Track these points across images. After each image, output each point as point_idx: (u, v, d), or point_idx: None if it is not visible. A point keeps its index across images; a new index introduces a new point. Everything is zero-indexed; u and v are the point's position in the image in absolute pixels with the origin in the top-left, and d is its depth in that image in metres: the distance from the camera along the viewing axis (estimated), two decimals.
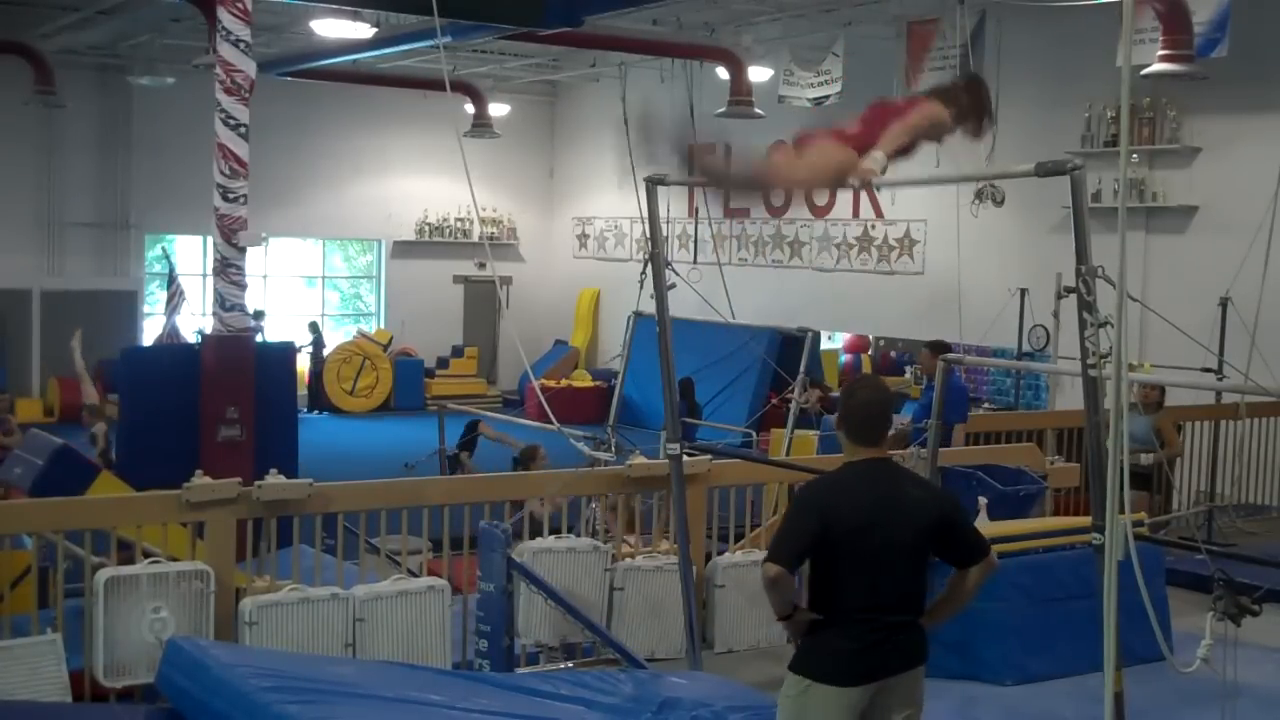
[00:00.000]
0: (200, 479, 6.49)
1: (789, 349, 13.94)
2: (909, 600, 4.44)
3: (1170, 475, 10.35)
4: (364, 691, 5.45)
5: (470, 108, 19.83)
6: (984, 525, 7.31)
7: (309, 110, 21.08)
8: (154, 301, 20.89)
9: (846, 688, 4.31)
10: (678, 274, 6.92)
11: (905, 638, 4.43)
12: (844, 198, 18.15)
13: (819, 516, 4.27)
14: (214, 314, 10.24)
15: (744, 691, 6.21)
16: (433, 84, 18.11)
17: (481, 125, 19.78)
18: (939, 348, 10.35)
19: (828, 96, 16.47)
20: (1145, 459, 9.74)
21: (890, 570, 4.35)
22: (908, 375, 19.76)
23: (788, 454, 11.33)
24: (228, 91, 9.84)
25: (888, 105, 5.61)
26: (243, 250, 10.08)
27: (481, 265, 22.63)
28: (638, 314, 9.75)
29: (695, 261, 17.61)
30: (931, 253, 16.86)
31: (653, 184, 6.66)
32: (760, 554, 6.63)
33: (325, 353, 21.52)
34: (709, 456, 7.91)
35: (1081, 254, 4.70)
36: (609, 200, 21.72)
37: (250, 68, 9.93)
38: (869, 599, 4.32)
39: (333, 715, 5.15)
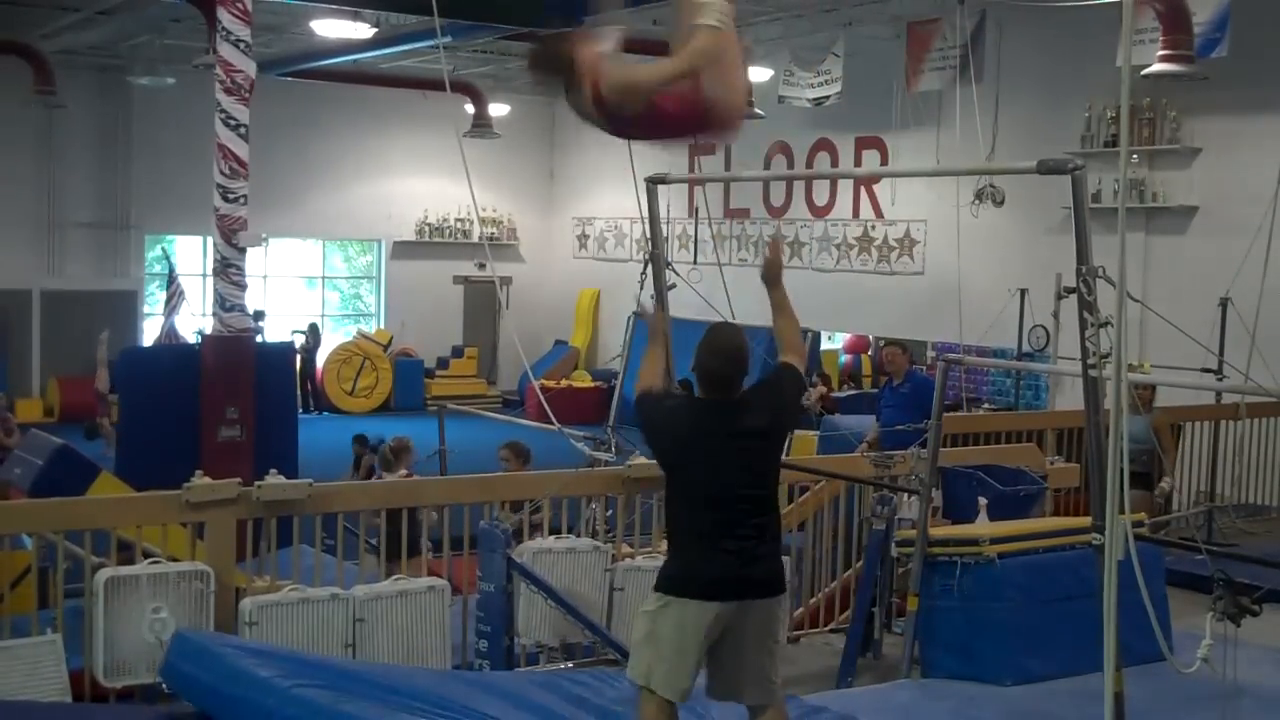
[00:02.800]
0: (200, 479, 6.48)
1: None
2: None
3: (1168, 475, 10.33)
4: (371, 679, 5.47)
5: (470, 108, 19.82)
6: (984, 526, 7.33)
7: (309, 110, 21.08)
8: (154, 302, 20.89)
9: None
10: (678, 274, 6.92)
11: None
12: (844, 198, 18.17)
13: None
14: (214, 314, 10.25)
15: None
16: (433, 84, 18.10)
17: (481, 125, 19.77)
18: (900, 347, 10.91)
19: (828, 96, 16.48)
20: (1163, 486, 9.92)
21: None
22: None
23: (788, 454, 11.33)
24: (228, 91, 9.85)
25: None
26: (243, 250, 10.09)
27: (481, 265, 22.63)
28: (638, 314, 9.72)
29: (695, 261, 17.59)
30: (931, 253, 16.86)
31: (653, 184, 6.66)
32: None
33: (321, 355, 21.50)
34: None
35: (1082, 254, 4.70)
36: (609, 200, 21.72)
37: (250, 68, 9.94)
38: None
39: (350, 699, 5.16)
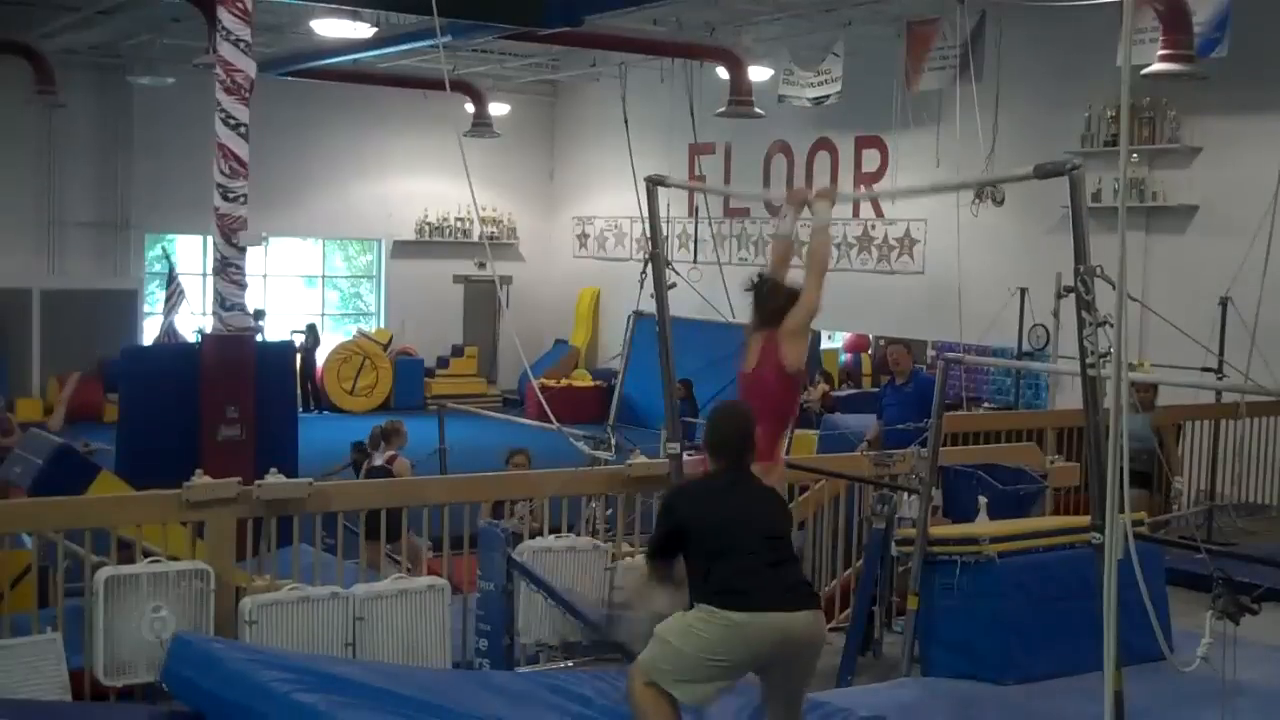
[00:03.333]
0: (200, 479, 6.49)
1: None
2: None
3: (1171, 476, 10.33)
4: (370, 684, 5.46)
5: (470, 108, 19.83)
6: (984, 525, 7.33)
7: (309, 110, 21.08)
8: (154, 301, 20.89)
9: None
10: (678, 274, 6.92)
11: None
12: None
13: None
14: (214, 314, 10.25)
15: (743, 689, 6.21)
16: (433, 84, 18.10)
17: (481, 125, 19.78)
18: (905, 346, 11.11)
19: (828, 96, 16.48)
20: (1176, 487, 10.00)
21: None
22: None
23: (788, 453, 11.31)
24: (228, 91, 9.85)
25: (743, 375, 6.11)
26: (243, 250, 10.09)
27: (481, 265, 22.63)
28: (638, 314, 9.74)
29: (695, 261, 17.59)
30: (931, 252, 16.87)
31: (653, 184, 6.67)
32: None
33: (322, 355, 21.50)
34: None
35: (1081, 254, 4.70)
36: (609, 200, 21.72)
37: (250, 68, 9.94)
38: None
39: (346, 704, 5.15)
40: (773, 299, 5.92)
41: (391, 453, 10.53)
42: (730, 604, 4.64)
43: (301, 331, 21.18)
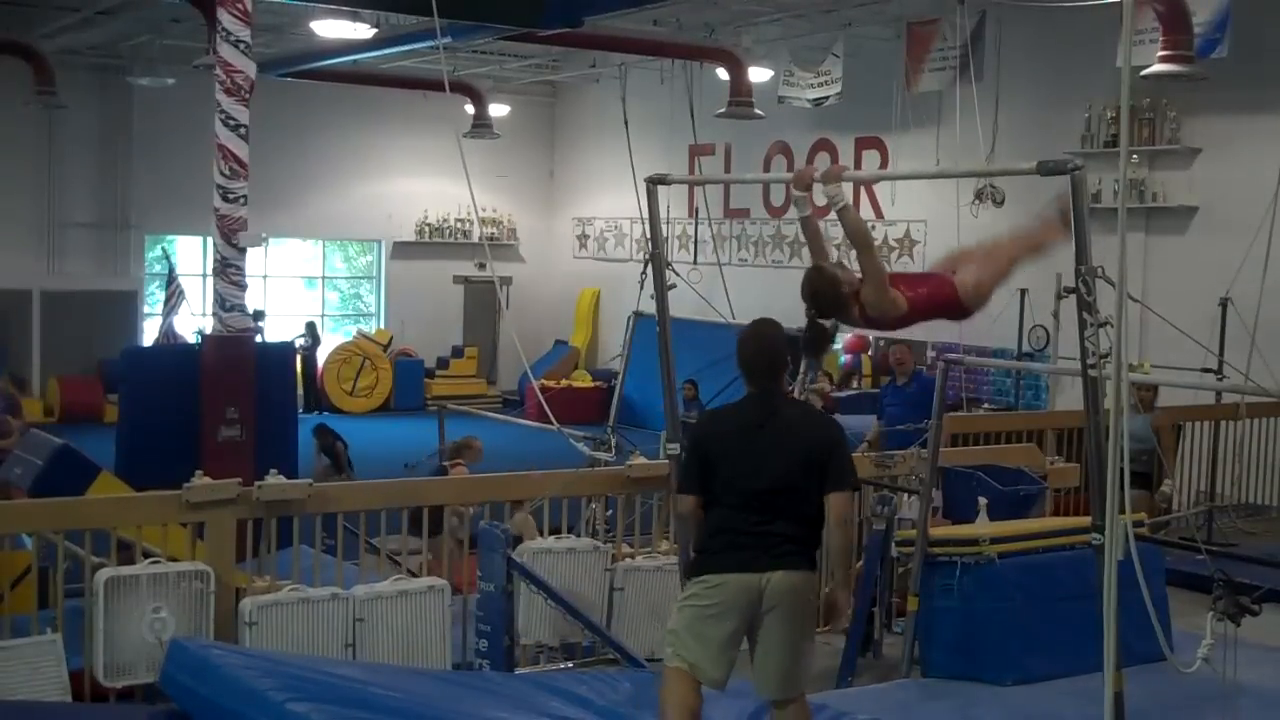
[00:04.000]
0: (200, 479, 6.48)
1: (789, 349, 13.92)
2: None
3: (1168, 475, 10.32)
4: (369, 691, 5.45)
5: (470, 108, 19.82)
6: (984, 526, 7.33)
7: (309, 110, 21.08)
8: (154, 301, 20.89)
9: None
10: (678, 274, 6.92)
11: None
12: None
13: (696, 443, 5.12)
14: (214, 314, 10.24)
15: (743, 689, 6.21)
16: (433, 84, 18.10)
17: (481, 126, 19.78)
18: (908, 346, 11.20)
19: (828, 97, 16.48)
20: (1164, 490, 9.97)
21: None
22: None
23: None
24: (228, 92, 9.84)
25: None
26: (243, 251, 10.08)
27: (481, 265, 22.63)
28: (638, 314, 9.74)
29: (695, 261, 17.60)
30: (931, 253, 16.83)
31: (653, 184, 6.66)
32: None
33: (323, 354, 21.49)
34: None
35: (1081, 254, 4.70)
36: (609, 200, 21.72)
37: (250, 68, 9.93)
38: None
39: (342, 712, 5.15)
40: (833, 296, 5.72)
41: (459, 462, 10.39)
42: (708, 566, 4.87)
43: (303, 335, 21.10)
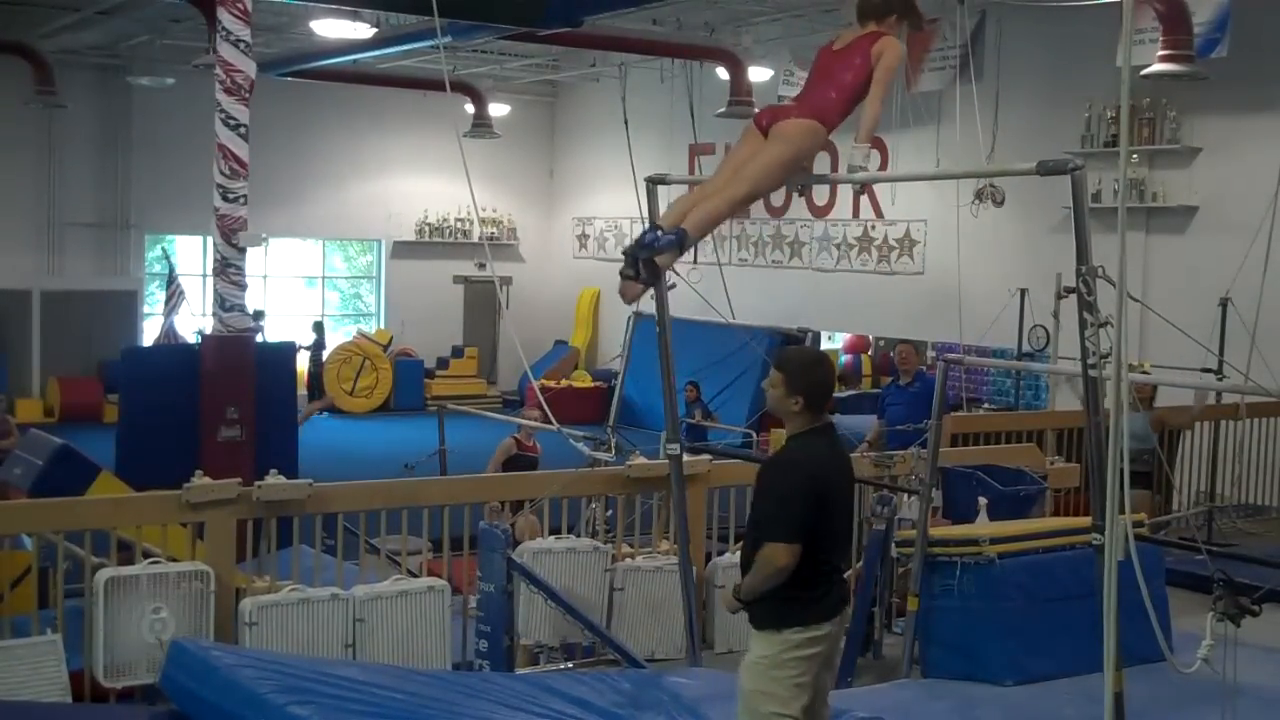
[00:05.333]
0: (200, 479, 6.49)
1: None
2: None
3: (1170, 476, 10.34)
4: (369, 693, 5.45)
5: (470, 108, 19.82)
6: (984, 526, 7.33)
7: (309, 110, 21.08)
8: (154, 301, 20.89)
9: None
10: (678, 274, 6.91)
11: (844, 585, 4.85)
12: (844, 197, 18.16)
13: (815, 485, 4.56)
14: (214, 314, 10.24)
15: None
16: (433, 84, 18.11)
17: (481, 125, 19.77)
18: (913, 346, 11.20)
19: None
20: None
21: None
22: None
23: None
24: (228, 91, 9.84)
25: (830, 52, 5.50)
26: (243, 250, 10.08)
27: (481, 265, 22.62)
28: (638, 314, 9.76)
29: (695, 261, 17.53)
30: (931, 253, 16.85)
31: (653, 184, 6.66)
32: None
33: (325, 353, 21.51)
34: (709, 457, 7.91)
35: (1082, 254, 4.70)
36: (609, 200, 21.72)
37: (250, 68, 9.93)
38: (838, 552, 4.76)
39: (343, 716, 5.15)
40: None
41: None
42: (811, 615, 4.52)
43: (308, 347, 20.97)
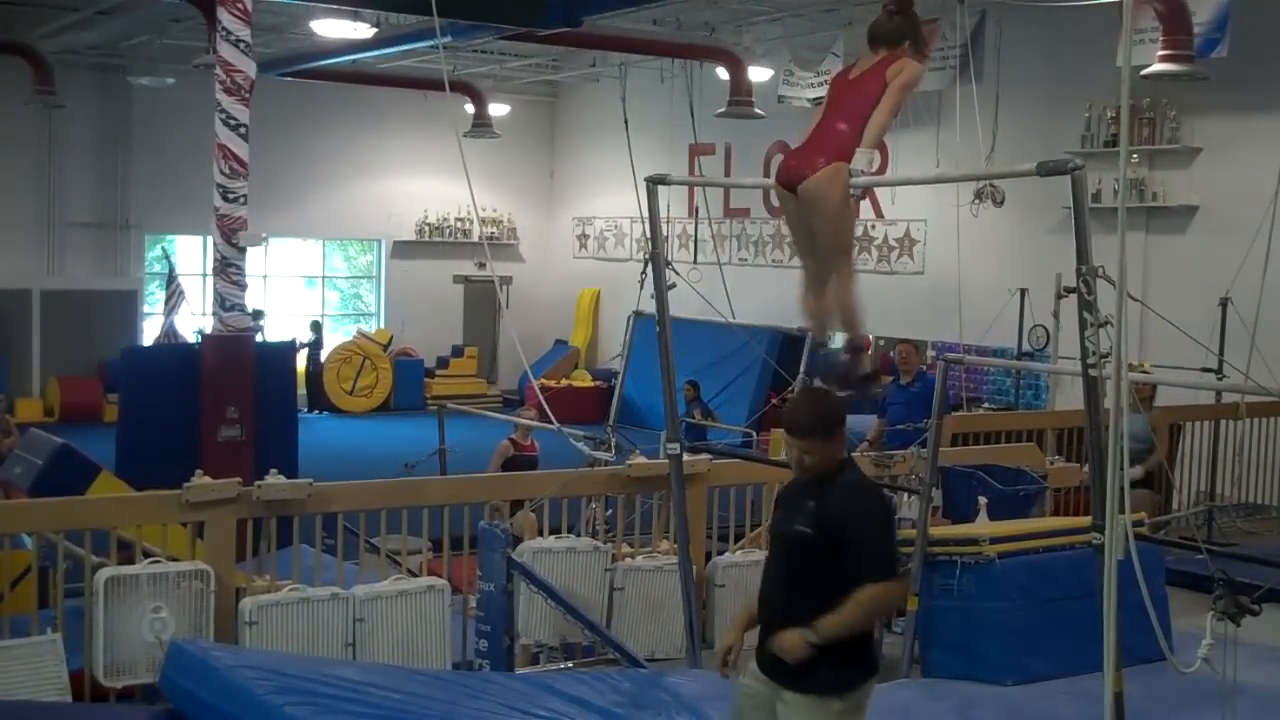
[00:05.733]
0: (200, 479, 6.49)
1: (789, 349, 13.94)
2: None
3: (1170, 476, 10.33)
4: (368, 694, 5.45)
5: (470, 108, 19.82)
6: (984, 526, 7.33)
7: (309, 110, 21.08)
8: (154, 301, 20.89)
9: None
10: (678, 274, 6.91)
11: None
12: None
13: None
14: (214, 314, 10.25)
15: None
16: (433, 84, 18.09)
17: (481, 125, 19.78)
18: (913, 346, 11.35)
19: None
20: (1135, 472, 9.65)
21: None
22: None
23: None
24: (228, 91, 9.85)
25: (846, 81, 5.82)
26: (243, 250, 10.08)
27: (481, 265, 22.62)
28: (638, 314, 9.74)
29: (695, 261, 17.58)
30: (931, 253, 16.86)
31: (653, 184, 6.66)
32: (761, 554, 6.62)
33: (324, 353, 21.51)
34: (709, 456, 7.91)
35: (1082, 254, 4.70)
36: (609, 200, 21.72)
37: (250, 68, 9.94)
38: None
39: (342, 716, 5.15)
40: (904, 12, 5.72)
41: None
42: (868, 671, 4.22)
43: (306, 344, 20.95)
